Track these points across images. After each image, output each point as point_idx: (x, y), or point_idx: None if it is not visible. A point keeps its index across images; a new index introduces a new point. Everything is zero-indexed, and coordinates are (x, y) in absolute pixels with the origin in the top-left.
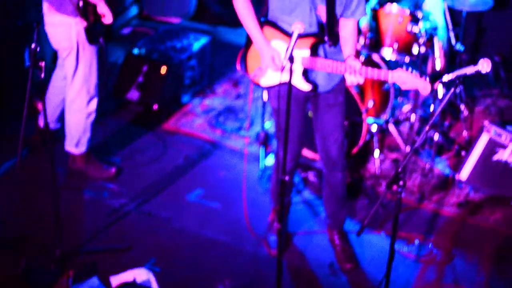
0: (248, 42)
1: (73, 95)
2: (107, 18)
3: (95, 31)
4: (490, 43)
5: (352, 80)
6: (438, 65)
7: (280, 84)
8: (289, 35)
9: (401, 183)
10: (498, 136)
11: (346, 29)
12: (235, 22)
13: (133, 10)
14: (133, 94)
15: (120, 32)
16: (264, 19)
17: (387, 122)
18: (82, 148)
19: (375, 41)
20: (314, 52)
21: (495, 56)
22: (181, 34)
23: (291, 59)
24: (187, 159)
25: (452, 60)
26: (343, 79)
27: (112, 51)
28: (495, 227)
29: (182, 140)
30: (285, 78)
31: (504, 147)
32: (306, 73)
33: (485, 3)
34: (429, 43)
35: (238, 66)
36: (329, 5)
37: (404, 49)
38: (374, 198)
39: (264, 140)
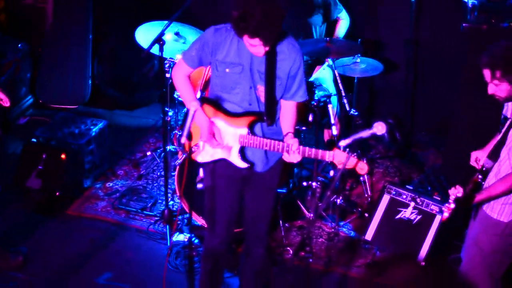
0: (185, 118)
1: None
2: (5, 102)
3: None
4: (383, 107)
5: (289, 158)
6: (335, 131)
7: (215, 161)
8: (228, 113)
9: (307, 249)
10: (399, 195)
11: (285, 108)
12: (130, 105)
13: (29, 100)
14: (34, 182)
15: (17, 122)
16: (202, 96)
17: (289, 190)
18: None
19: None
20: (251, 130)
21: (390, 118)
22: (78, 120)
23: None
24: (93, 243)
25: (348, 125)
26: (280, 161)
27: (10, 142)
28: (403, 284)
29: (86, 224)
30: (220, 155)
31: (405, 205)
32: (243, 152)
33: (375, 69)
34: (324, 110)
35: (174, 142)
36: (268, 86)
37: (300, 118)
38: (283, 266)
39: (169, 218)
